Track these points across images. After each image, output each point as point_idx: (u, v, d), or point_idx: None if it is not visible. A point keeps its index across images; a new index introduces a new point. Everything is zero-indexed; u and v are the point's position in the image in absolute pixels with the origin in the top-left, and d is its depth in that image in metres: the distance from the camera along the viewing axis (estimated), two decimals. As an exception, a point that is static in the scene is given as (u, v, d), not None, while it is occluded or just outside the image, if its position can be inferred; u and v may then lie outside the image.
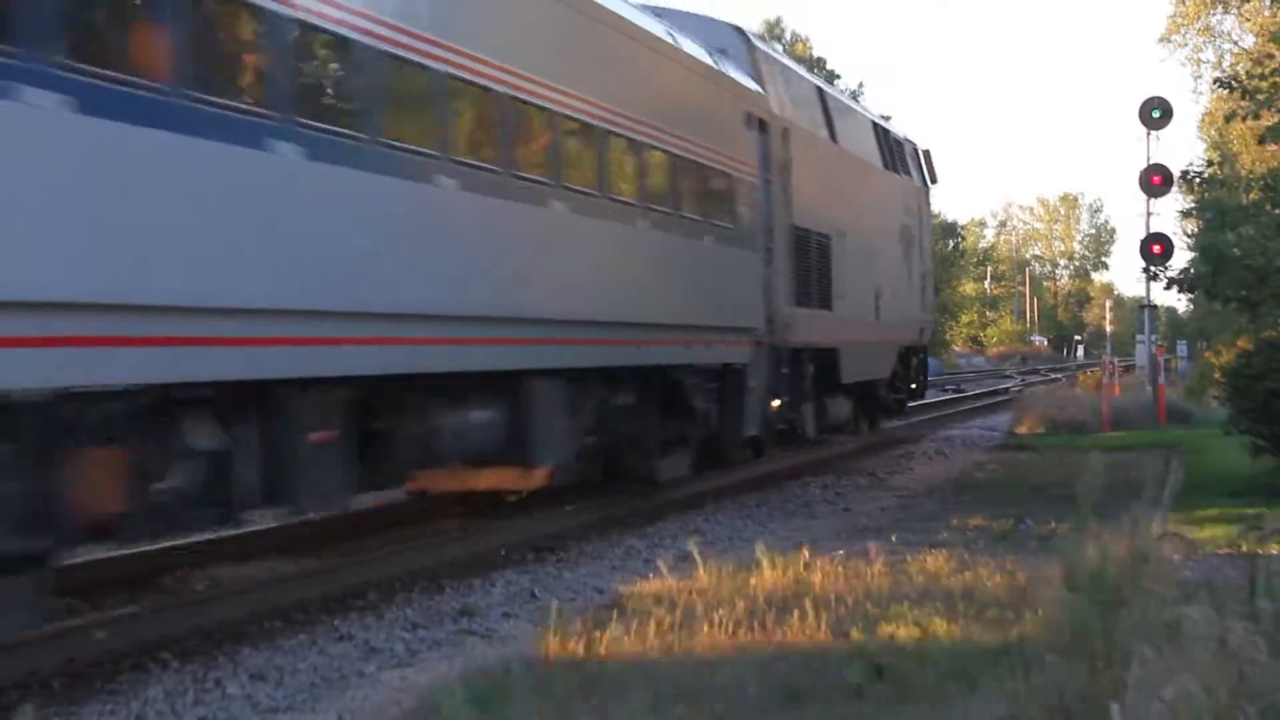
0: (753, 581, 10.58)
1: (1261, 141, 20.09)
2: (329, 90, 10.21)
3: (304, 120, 9.50)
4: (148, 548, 12.64)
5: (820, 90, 23.73)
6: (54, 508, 7.82)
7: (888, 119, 27.33)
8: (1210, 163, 25.17)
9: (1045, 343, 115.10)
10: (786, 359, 19.69)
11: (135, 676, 8.69)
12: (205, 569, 11.76)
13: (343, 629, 10.17)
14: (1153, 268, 33.89)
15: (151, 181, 8.25)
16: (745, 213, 18.46)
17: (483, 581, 12.10)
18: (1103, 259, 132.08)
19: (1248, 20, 41.53)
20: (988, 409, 37.87)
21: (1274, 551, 10.35)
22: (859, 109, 27.93)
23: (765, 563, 10.96)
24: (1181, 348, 48.87)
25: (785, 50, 67.46)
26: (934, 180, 31.29)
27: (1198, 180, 21.91)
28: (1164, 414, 32.15)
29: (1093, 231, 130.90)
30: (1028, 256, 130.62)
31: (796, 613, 9.14)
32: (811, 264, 21.24)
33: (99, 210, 7.85)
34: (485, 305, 11.95)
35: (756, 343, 18.50)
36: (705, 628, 8.93)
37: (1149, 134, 34.91)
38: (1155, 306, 39.57)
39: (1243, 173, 32.89)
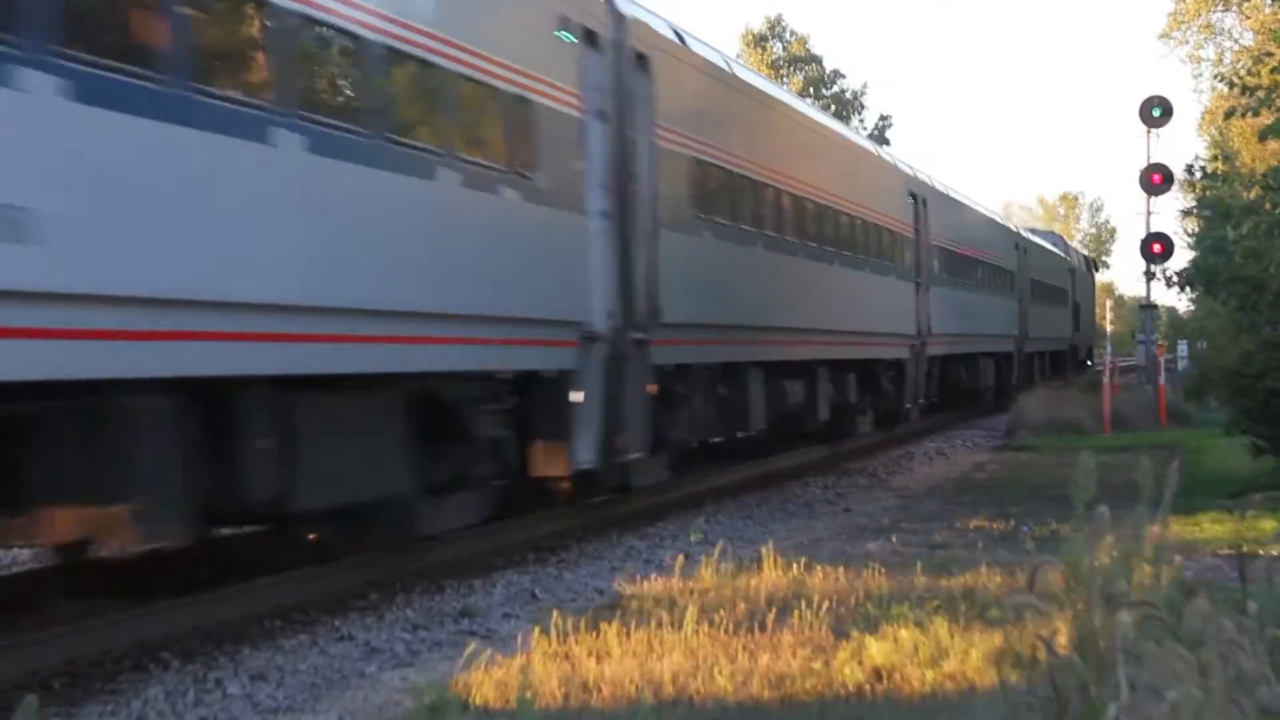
0: (754, 582, 10.58)
1: (1262, 139, 20.05)
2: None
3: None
4: (148, 547, 12.63)
5: (1070, 248, 57.26)
6: None
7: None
8: (1213, 158, 25.13)
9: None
10: (1075, 350, 52.46)
11: (135, 676, 8.70)
12: (205, 569, 11.74)
13: (343, 629, 10.17)
14: (1153, 267, 33.93)
15: None
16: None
17: (483, 582, 12.10)
18: (1103, 258, 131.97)
19: (1248, 18, 41.49)
20: (988, 409, 37.82)
21: (1274, 553, 10.33)
22: (1076, 247, 62.10)
23: (766, 563, 10.97)
24: (1182, 347, 48.85)
25: (784, 48, 67.52)
26: (1096, 269, 71.35)
27: (1200, 175, 21.89)
28: (1164, 414, 32.15)
29: (1093, 230, 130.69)
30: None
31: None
32: (1074, 311, 52.08)
33: None
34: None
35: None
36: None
37: (1149, 132, 34.96)
38: (1155, 306, 39.57)
39: (1243, 170, 32.87)
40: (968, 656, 7.86)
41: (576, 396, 13.47)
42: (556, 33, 13.43)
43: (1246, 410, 18.11)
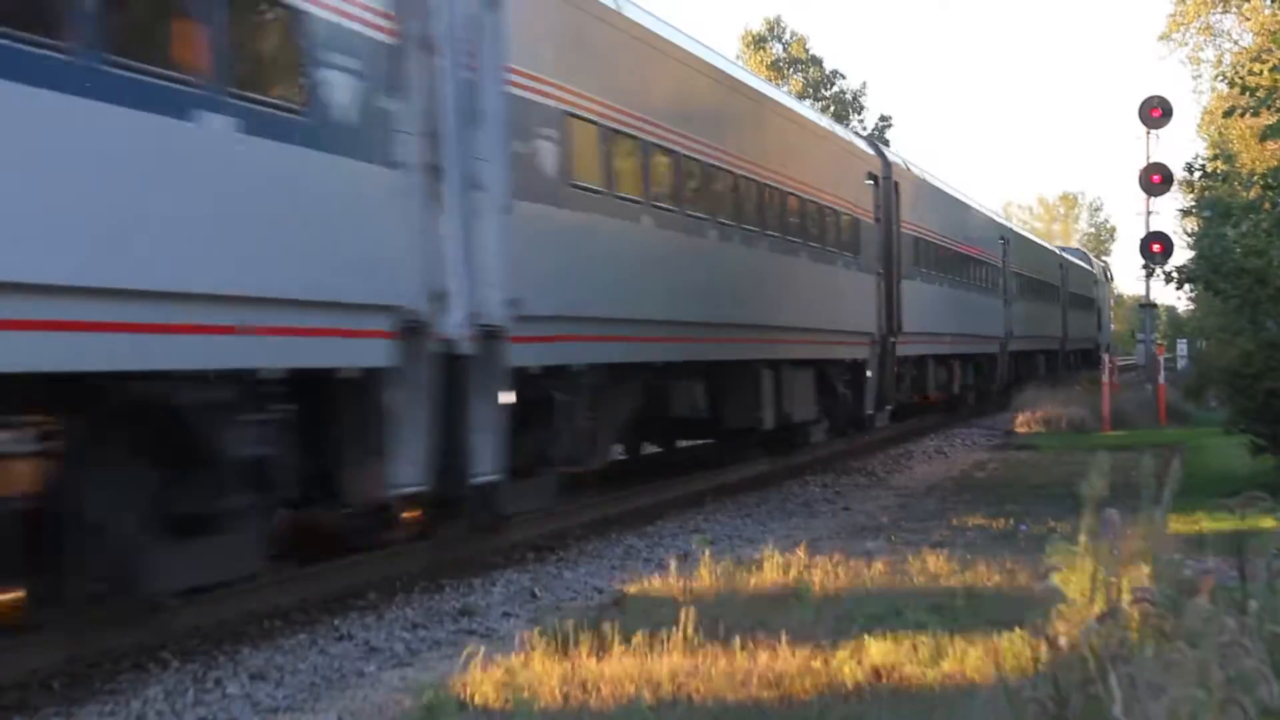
0: (754, 581, 10.57)
1: (1262, 139, 20.06)
2: None
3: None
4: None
5: (1094, 261, 67.70)
6: None
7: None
8: (1213, 158, 25.13)
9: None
10: (1099, 346, 59.09)
11: (135, 676, 8.69)
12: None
13: (343, 628, 10.17)
14: (1152, 266, 33.90)
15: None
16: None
17: (483, 581, 12.10)
18: (1103, 258, 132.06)
19: (1248, 19, 41.46)
20: (988, 408, 37.87)
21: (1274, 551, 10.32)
22: (1092, 257, 69.97)
23: (766, 562, 10.96)
24: (1182, 346, 48.89)
25: (784, 49, 67.56)
26: (1111, 278, 78.13)
27: (1199, 175, 21.88)
28: (1164, 413, 32.17)
29: (1092, 230, 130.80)
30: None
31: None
32: (1098, 315, 63.06)
33: None
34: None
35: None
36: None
37: (1149, 133, 34.94)
38: (1155, 305, 39.60)
39: (1242, 171, 32.87)
40: (967, 655, 7.86)
41: (870, 373, 24.66)
42: (865, 180, 25.48)
43: (1246, 409, 18.12)
